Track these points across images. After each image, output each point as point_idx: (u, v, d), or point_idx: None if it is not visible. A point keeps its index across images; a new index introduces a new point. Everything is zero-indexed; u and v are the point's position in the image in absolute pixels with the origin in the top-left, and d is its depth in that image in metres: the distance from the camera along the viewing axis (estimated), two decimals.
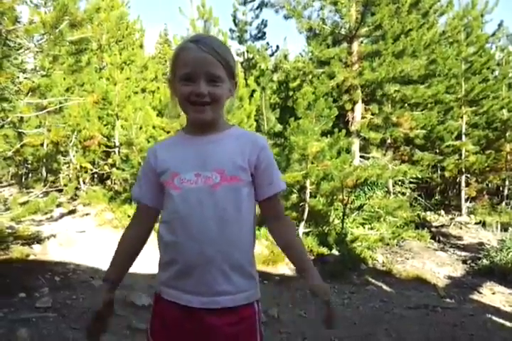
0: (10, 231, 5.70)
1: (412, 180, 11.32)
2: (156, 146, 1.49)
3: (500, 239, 8.36)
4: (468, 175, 12.61)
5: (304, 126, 7.20)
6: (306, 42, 11.81)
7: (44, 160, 10.27)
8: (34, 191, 8.25)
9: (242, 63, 12.92)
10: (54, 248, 6.23)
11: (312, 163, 7.47)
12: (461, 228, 10.56)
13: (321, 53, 9.83)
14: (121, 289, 4.86)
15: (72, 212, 8.97)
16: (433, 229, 10.01)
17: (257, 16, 13.27)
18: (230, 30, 13.12)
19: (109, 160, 10.66)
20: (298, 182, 7.51)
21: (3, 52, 5.10)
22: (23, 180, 11.17)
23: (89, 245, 6.71)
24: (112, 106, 10.67)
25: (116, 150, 10.51)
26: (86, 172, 10.80)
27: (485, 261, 7.21)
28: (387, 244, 8.26)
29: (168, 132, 8.53)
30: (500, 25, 14.08)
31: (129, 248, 1.51)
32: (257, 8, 13.12)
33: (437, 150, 12.54)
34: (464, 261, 7.76)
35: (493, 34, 14.07)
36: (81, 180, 10.69)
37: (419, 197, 11.81)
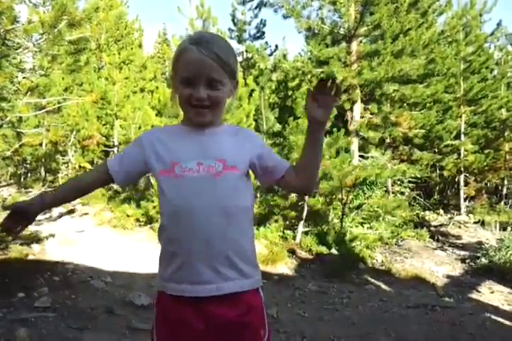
0: None
1: (411, 179, 11.34)
2: (155, 131, 1.48)
3: (499, 238, 8.37)
4: (467, 175, 12.63)
5: (303, 126, 7.21)
6: (305, 41, 11.83)
7: (43, 160, 10.27)
8: (33, 191, 8.25)
9: (241, 63, 12.90)
10: (53, 247, 6.22)
11: None
12: (460, 227, 10.57)
13: (320, 53, 9.83)
14: (120, 289, 4.88)
15: (71, 211, 8.97)
16: (432, 229, 10.02)
17: (255, 16, 13.25)
18: (229, 29, 13.11)
19: None
20: None
21: (2, 51, 5.10)
22: (22, 179, 11.17)
23: (89, 245, 6.71)
24: (110, 106, 10.67)
25: (115, 149, 10.51)
26: (85, 171, 10.79)
27: (484, 260, 7.22)
28: (386, 244, 8.27)
29: None
30: (499, 24, 14.10)
31: (76, 183, 1.53)
32: (255, 7, 13.11)
33: (436, 150, 12.55)
34: (463, 260, 7.77)
35: (492, 33, 14.08)
36: None
37: (418, 197, 11.82)
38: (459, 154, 12.27)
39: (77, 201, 9.68)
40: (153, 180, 8.10)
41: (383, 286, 6.26)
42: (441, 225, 10.63)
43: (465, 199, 12.35)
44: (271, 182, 1.49)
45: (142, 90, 12.05)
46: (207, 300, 1.33)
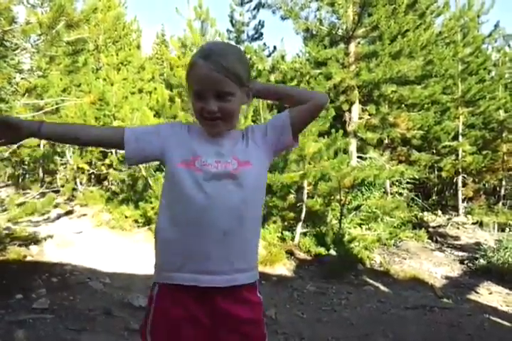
0: (7, 232, 5.68)
1: (409, 180, 11.34)
2: (177, 125, 1.54)
3: (497, 239, 8.39)
4: (465, 176, 12.65)
5: None
6: (303, 43, 11.83)
7: (41, 161, 10.24)
8: (31, 192, 8.21)
9: None
10: (51, 249, 6.21)
11: (309, 163, 7.48)
12: (458, 228, 10.58)
13: (318, 54, 9.84)
14: (118, 290, 4.86)
15: (69, 212, 8.95)
16: (430, 230, 10.03)
17: (254, 17, 13.24)
18: (227, 30, 13.10)
19: (106, 161, 10.64)
20: (295, 183, 7.51)
21: (0, 52, 5.09)
22: (20, 180, 11.13)
23: (87, 246, 6.69)
24: (108, 107, 10.65)
25: (114, 150, 10.49)
26: (83, 172, 10.77)
27: (482, 261, 7.23)
28: (385, 245, 8.27)
29: None
30: (496, 25, 14.08)
31: (84, 127, 1.64)
32: (254, 8, 13.10)
33: (434, 151, 12.57)
34: (461, 261, 7.78)
35: (490, 35, 14.07)
36: (78, 180, 10.67)
37: (416, 198, 11.83)
38: (457, 155, 12.29)
39: (74, 202, 9.67)
40: (152, 181, 8.10)
41: (382, 287, 6.26)
42: (439, 226, 10.64)
43: (463, 200, 12.37)
44: (298, 127, 1.52)
45: (140, 91, 12.02)
46: (216, 291, 1.35)
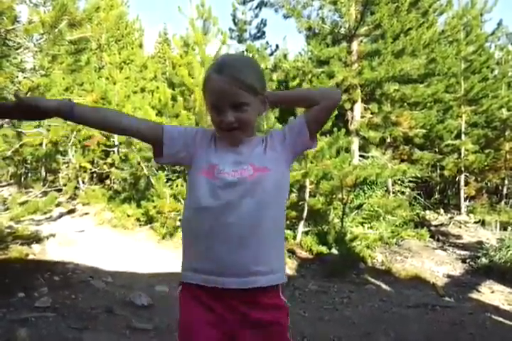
0: (9, 230, 5.70)
1: (411, 179, 11.33)
2: (208, 132, 1.56)
3: (499, 238, 8.37)
4: (468, 174, 12.62)
5: None
6: (305, 41, 11.81)
7: (43, 160, 10.26)
8: (33, 191, 8.24)
9: None
10: (53, 247, 6.23)
11: (311, 162, 7.48)
12: (460, 227, 10.57)
13: (321, 52, 9.83)
14: (120, 289, 4.87)
15: (71, 211, 8.97)
16: (432, 228, 10.01)
17: (256, 15, 13.23)
18: (230, 29, 13.08)
19: (109, 160, 10.66)
20: (297, 182, 7.51)
21: (3, 51, 5.10)
22: (22, 179, 11.15)
23: (89, 244, 6.71)
24: (111, 106, 10.65)
25: (116, 149, 10.51)
26: (85, 171, 10.80)
27: (484, 260, 7.22)
28: (387, 243, 8.26)
29: None
30: (499, 24, 14.04)
31: (111, 113, 1.56)
32: (256, 7, 13.09)
33: (437, 150, 12.54)
34: (463, 260, 7.77)
35: (493, 33, 14.03)
36: (80, 179, 10.69)
37: (418, 196, 11.81)
38: (460, 154, 12.26)
39: (77, 201, 9.70)
40: (154, 180, 8.10)
41: (383, 286, 6.26)
42: (441, 225, 10.63)
43: (465, 199, 12.34)
44: (314, 127, 1.54)
45: (143, 90, 12.04)
46: (236, 294, 1.39)
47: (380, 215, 8.62)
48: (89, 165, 10.48)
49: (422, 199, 11.85)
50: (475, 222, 10.89)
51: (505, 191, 12.92)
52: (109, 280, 5.19)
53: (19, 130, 7.98)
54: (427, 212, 11.65)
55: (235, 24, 13.21)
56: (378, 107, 10.11)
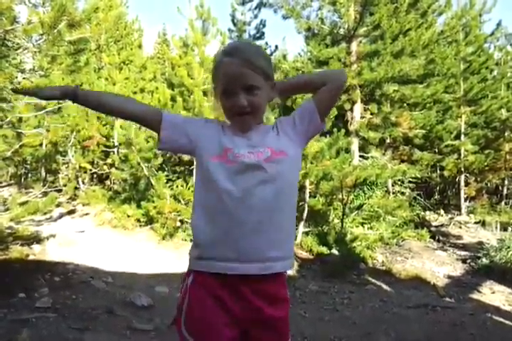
0: (9, 231, 5.70)
1: (411, 179, 11.32)
2: (213, 122, 1.56)
3: (499, 239, 8.36)
4: (468, 175, 12.63)
5: None
6: (304, 42, 11.83)
7: (43, 161, 10.26)
8: (33, 191, 8.24)
9: None
10: (53, 248, 6.22)
11: (311, 162, 7.47)
12: (460, 227, 10.57)
13: (320, 53, 9.84)
14: (120, 289, 4.86)
15: (71, 212, 8.97)
16: (432, 229, 10.01)
17: (255, 16, 13.27)
18: (229, 30, 13.13)
19: (108, 160, 10.65)
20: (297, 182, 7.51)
21: (2, 52, 5.09)
22: (22, 180, 11.16)
23: (89, 245, 6.71)
24: None
25: (115, 150, 10.51)
26: (85, 172, 10.79)
27: (484, 261, 7.22)
28: (387, 244, 8.26)
29: None
30: (498, 24, 14.07)
31: (118, 99, 1.58)
32: (255, 8, 13.13)
33: (436, 150, 12.55)
34: (464, 261, 7.76)
35: (492, 34, 14.05)
36: (80, 180, 10.69)
37: (418, 197, 11.80)
38: (459, 154, 12.27)
39: (77, 201, 9.69)
40: (154, 181, 8.10)
41: (384, 286, 6.26)
42: (441, 225, 10.63)
43: (465, 200, 12.35)
44: (324, 110, 1.54)
45: (142, 90, 12.03)
46: (249, 281, 1.38)
47: (380, 216, 8.61)
48: (89, 166, 10.47)
49: (422, 200, 11.85)
50: (475, 223, 10.89)
51: (505, 191, 12.93)
52: (110, 281, 5.18)
53: (19, 130, 7.97)
54: (427, 212, 11.64)
55: (234, 25, 13.23)
56: (378, 108, 10.11)
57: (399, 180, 11.08)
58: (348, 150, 9.17)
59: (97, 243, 6.93)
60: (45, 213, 6.60)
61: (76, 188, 10.24)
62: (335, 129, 7.70)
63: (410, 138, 10.95)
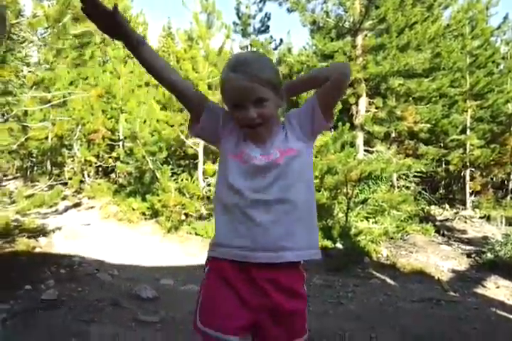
0: (15, 224, 5.73)
1: (416, 174, 11.30)
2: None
3: (504, 233, 8.34)
4: (473, 169, 12.58)
5: None
6: (309, 35, 11.78)
7: (49, 154, 10.30)
8: (39, 184, 8.28)
9: None
10: (59, 241, 6.27)
11: (316, 156, 7.47)
12: (465, 222, 10.55)
13: (325, 47, 9.80)
14: (126, 281, 4.87)
15: (77, 205, 9.02)
16: (437, 223, 10.00)
17: (260, 10, 13.17)
18: (234, 23, 13.03)
19: (114, 154, 10.69)
20: None
21: (7, 45, 5.10)
22: (28, 173, 11.22)
23: (95, 238, 6.75)
24: (115, 100, 10.68)
25: (121, 143, 10.54)
26: (90, 165, 10.83)
27: (489, 255, 7.21)
28: (391, 238, 8.26)
29: (172, 126, 8.53)
30: (505, 18, 13.95)
31: (168, 65, 1.62)
32: (260, 1, 13.02)
33: (442, 144, 12.50)
34: (468, 255, 7.75)
35: (499, 27, 13.94)
36: (85, 173, 10.73)
37: (423, 191, 11.79)
38: (465, 149, 12.21)
39: (82, 194, 9.74)
40: (159, 174, 8.12)
41: (388, 280, 6.26)
42: (446, 220, 10.61)
43: (471, 194, 12.31)
44: (328, 105, 1.55)
45: (147, 84, 12.03)
46: (263, 269, 1.43)
47: (385, 210, 8.61)
48: (94, 159, 10.51)
49: (427, 194, 11.83)
50: (480, 217, 10.87)
51: (510, 186, 12.88)
52: (115, 273, 5.22)
53: (24, 124, 8.00)
54: (432, 206, 11.62)
55: (239, 18, 13.15)
56: (383, 102, 10.07)
57: (404, 174, 11.06)
58: (352, 145, 9.16)
59: (102, 236, 6.97)
60: (50, 206, 6.64)
61: (81, 181, 10.29)
62: (340, 123, 7.69)
63: (415, 132, 10.91)
